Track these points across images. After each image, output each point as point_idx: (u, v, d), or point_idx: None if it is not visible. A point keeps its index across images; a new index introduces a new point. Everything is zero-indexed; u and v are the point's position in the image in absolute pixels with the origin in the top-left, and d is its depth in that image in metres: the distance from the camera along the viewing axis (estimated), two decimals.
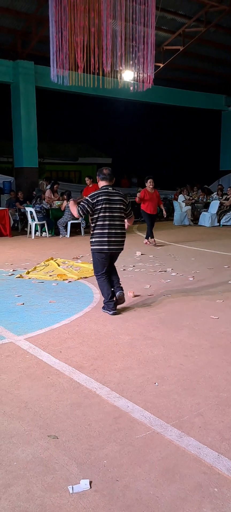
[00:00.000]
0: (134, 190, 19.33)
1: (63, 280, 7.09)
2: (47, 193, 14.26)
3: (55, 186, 14.94)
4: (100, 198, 5.20)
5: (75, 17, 9.01)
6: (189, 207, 16.28)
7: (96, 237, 5.24)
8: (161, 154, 25.66)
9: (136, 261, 8.61)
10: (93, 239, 5.28)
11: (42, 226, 13.21)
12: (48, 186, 14.93)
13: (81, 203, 5.28)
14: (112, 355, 4.01)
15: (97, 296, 6.05)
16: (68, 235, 12.84)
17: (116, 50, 9.63)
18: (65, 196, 13.20)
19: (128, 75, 12.53)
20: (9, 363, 3.86)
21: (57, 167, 24.10)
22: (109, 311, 5.27)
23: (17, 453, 2.57)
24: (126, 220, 5.54)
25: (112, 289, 5.39)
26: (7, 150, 17.70)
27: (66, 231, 12.94)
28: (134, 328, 4.74)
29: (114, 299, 5.34)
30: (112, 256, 5.40)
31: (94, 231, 5.25)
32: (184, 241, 11.31)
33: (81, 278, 7.19)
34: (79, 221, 13.18)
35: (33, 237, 12.83)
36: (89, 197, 5.23)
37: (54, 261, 8.54)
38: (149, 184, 10.61)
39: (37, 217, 12.81)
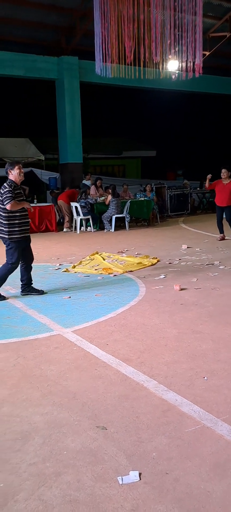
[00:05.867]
0: (180, 182, 19.08)
1: (109, 274, 7.12)
2: (92, 190, 14.34)
3: (97, 182, 14.91)
4: None
5: (123, 6, 8.97)
6: None
7: None
8: (208, 145, 25.12)
9: (182, 255, 8.49)
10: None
11: (87, 221, 13.35)
12: (88, 182, 14.96)
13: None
14: (160, 349, 3.97)
15: (143, 290, 6.03)
16: (113, 229, 12.89)
17: (166, 39, 9.50)
18: (109, 190, 13.24)
19: (173, 65, 12.33)
20: (57, 355, 3.93)
21: (101, 161, 24.22)
22: None
23: (67, 442, 2.61)
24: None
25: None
26: (52, 147, 17.99)
27: (111, 225, 12.99)
28: (181, 322, 4.67)
29: None
30: None
31: None
32: None
33: (126, 271, 7.19)
34: (124, 215, 13.19)
35: (78, 232, 12.99)
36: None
37: (99, 255, 8.60)
38: (221, 174, 10.07)
39: (82, 212, 12.96)
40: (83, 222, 13.33)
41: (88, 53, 13.71)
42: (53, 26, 14.86)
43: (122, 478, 2.27)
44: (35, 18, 14.11)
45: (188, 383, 3.26)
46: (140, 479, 2.27)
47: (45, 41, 15.43)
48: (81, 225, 13.28)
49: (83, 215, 13.01)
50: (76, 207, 13.06)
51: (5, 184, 5.79)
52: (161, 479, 2.26)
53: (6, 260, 5.87)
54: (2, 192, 5.73)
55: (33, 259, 6.14)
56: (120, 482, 2.24)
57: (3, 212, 5.71)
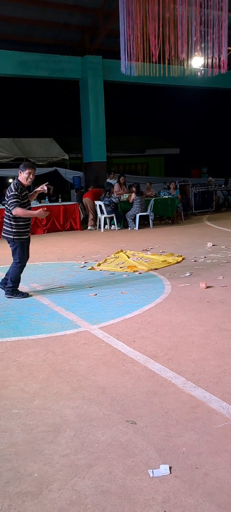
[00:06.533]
0: (204, 179, 18.93)
1: (134, 271, 7.15)
2: (116, 187, 14.40)
3: (121, 179, 14.94)
4: None
5: (148, 5, 8.97)
6: None
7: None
8: None
9: (207, 252, 8.45)
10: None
11: (111, 219, 13.41)
12: (113, 180, 15.02)
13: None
14: (187, 346, 3.99)
15: (169, 287, 6.05)
16: (137, 228, 12.91)
17: (191, 36, 9.47)
18: (133, 189, 13.27)
19: (198, 62, 12.22)
20: (85, 351, 4.00)
21: (125, 160, 24.28)
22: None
23: (98, 435, 2.67)
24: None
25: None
26: (76, 146, 18.17)
27: (134, 223, 13.02)
28: (208, 320, 4.67)
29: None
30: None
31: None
32: None
33: (151, 269, 7.21)
34: (148, 213, 13.19)
35: (102, 231, 13.08)
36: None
37: (124, 253, 8.65)
38: None
39: (106, 211, 13.03)
40: (107, 221, 13.41)
41: (111, 52, 13.80)
42: (77, 27, 15.00)
43: (153, 471, 2.31)
44: (59, 19, 14.28)
45: (216, 380, 3.28)
46: (170, 472, 2.30)
47: (69, 42, 15.60)
48: (105, 223, 13.36)
49: (107, 214, 13.09)
50: (100, 206, 13.14)
51: (11, 186, 5.73)
52: (191, 473, 2.29)
53: (13, 260, 5.87)
54: (8, 195, 5.68)
55: (28, 258, 6.11)
56: (151, 475, 2.28)
57: (12, 214, 5.69)
